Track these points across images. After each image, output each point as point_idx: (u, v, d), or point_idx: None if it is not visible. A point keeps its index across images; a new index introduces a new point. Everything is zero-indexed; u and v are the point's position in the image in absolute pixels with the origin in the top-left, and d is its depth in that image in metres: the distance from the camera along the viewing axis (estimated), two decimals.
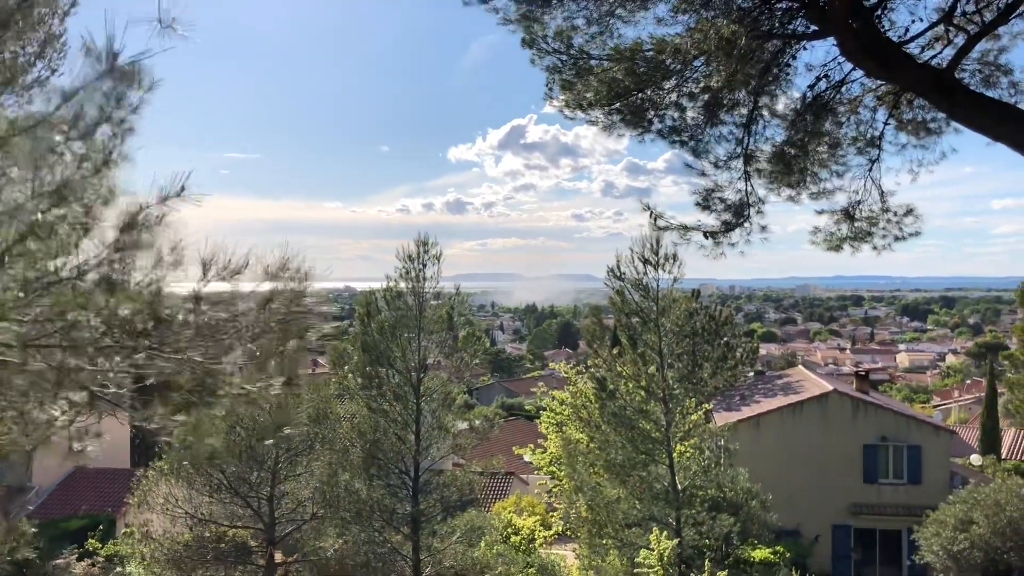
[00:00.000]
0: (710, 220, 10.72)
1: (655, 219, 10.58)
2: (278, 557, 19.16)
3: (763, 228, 10.72)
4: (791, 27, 9.66)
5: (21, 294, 2.61)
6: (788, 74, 10.23)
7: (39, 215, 2.59)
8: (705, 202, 10.72)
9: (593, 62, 9.55)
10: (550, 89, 9.92)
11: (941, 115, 10.30)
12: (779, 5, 9.46)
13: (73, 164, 2.77)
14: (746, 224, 10.63)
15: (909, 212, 10.94)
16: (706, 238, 10.55)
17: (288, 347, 3.24)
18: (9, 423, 2.90)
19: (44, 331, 2.71)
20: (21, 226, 2.58)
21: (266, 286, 3.17)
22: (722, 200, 10.68)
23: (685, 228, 10.58)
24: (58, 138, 2.74)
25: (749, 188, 10.59)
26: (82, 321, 2.72)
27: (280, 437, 17.27)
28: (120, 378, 2.87)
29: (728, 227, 10.60)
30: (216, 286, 3.07)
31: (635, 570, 16.20)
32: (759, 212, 10.69)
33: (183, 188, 2.90)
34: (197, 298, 2.97)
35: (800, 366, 45.79)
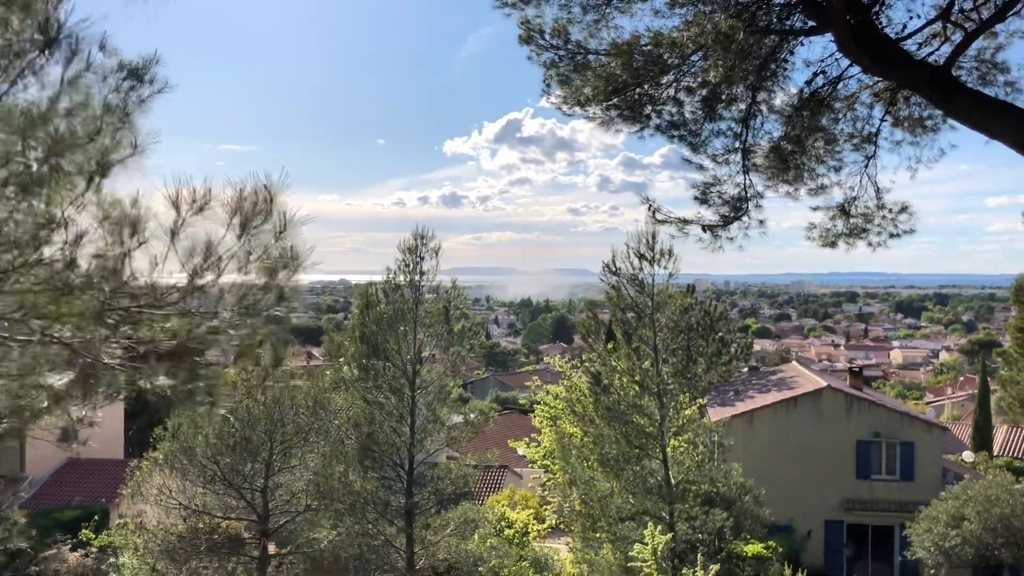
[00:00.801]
0: (708, 214, 10.71)
1: (654, 212, 10.58)
2: (272, 549, 19.16)
3: (761, 222, 10.73)
4: (788, 23, 9.65)
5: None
6: (785, 70, 10.22)
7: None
8: (703, 196, 10.71)
9: (591, 57, 9.51)
10: (548, 85, 9.88)
11: (938, 112, 10.30)
12: (777, 0, 9.45)
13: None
14: (744, 218, 10.63)
15: (904, 209, 10.95)
16: (704, 232, 10.54)
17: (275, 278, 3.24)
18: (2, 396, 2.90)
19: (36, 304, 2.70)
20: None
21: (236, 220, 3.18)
22: (720, 194, 10.67)
23: (683, 222, 10.57)
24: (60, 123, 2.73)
25: (748, 182, 10.59)
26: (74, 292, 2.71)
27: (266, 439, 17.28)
28: (115, 340, 2.87)
29: (726, 221, 10.60)
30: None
31: (628, 564, 16.26)
32: (757, 206, 10.70)
33: None
34: (172, 232, 2.99)
35: (794, 362, 45.86)
